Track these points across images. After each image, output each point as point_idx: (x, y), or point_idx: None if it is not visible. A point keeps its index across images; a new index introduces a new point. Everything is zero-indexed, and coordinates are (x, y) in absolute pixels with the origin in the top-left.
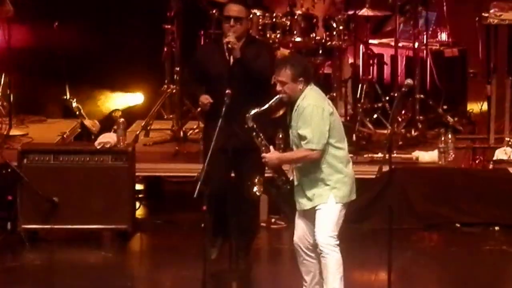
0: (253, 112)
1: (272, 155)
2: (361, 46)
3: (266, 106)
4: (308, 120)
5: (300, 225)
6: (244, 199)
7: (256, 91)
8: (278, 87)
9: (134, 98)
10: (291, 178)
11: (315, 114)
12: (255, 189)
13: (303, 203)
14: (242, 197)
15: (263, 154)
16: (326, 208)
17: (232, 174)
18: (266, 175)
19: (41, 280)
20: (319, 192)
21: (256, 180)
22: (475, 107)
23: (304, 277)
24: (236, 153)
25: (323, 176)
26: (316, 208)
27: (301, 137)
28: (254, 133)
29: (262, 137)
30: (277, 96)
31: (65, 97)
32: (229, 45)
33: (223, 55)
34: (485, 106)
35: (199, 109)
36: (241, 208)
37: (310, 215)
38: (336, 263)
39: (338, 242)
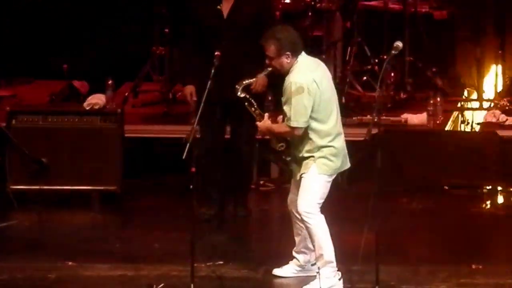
0: (242, 83)
1: (263, 124)
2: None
3: (256, 77)
4: (289, 97)
5: (292, 190)
6: (238, 151)
7: (250, 43)
8: (267, 61)
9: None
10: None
11: (294, 92)
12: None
13: (294, 172)
14: (236, 148)
15: (256, 122)
16: (308, 177)
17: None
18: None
19: (29, 240)
20: (305, 162)
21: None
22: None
23: (295, 237)
24: (228, 106)
25: (307, 148)
26: (301, 176)
27: (284, 113)
28: (247, 103)
29: (256, 105)
30: (267, 69)
31: (53, 57)
32: None
33: (216, 7)
34: None
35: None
36: (236, 159)
37: (299, 183)
38: (317, 231)
39: (317, 211)
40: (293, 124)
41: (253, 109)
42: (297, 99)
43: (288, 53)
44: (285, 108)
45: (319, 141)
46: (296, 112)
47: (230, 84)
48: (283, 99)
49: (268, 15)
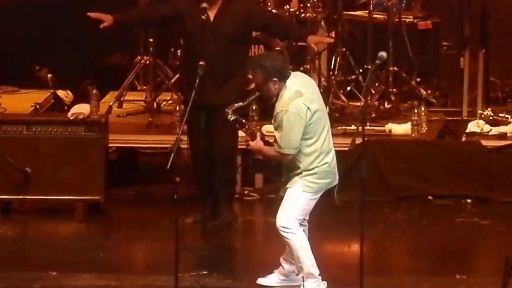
0: (232, 107)
1: (255, 144)
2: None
3: (246, 101)
4: (279, 125)
5: None
6: (221, 155)
7: (236, 48)
8: (254, 86)
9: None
10: None
11: (285, 120)
12: (229, 116)
13: (282, 189)
14: (219, 152)
15: (249, 141)
16: (292, 193)
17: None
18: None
19: (13, 251)
20: (292, 178)
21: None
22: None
23: (286, 245)
24: (212, 111)
25: (297, 168)
26: (286, 190)
27: (274, 138)
28: (238, 124)
29: (247, 126)
30: (255, 93)
31: (37, 67)
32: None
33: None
34: None
35: (173, 80)
36: (219, 163)
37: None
38: (295, 246)
39: (296, 226)
40: (284, 151)
41: (244, 129)
42: (287, 126)
43: (275, 79)
44: (276, 134)
45: (309, 162)
46: (286, 140)
47: (214, 89)
48: (274, 124)
49: (256, 19)
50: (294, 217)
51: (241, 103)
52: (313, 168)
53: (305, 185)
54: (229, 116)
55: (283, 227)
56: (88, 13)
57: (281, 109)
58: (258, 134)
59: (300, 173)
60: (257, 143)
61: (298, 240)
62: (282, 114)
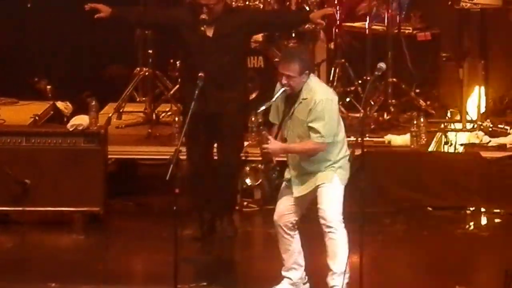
0: (261, 108)
1: (275, 145)
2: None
3: (273, 100)
4: (321, 115)
5: (282, 203)
6: (225, 167)
7: (235, 57)
8: (284, 80)
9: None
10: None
11: (327, 109)
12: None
13: (302, 188)
14: (222, 165)
15: (265, 145)
16: (332, 187)
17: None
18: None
19: (12, 262)
20: (324, 173)
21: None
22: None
23: (283, 255)
24: (213, 121)
25: (326, 161)
26: (320, 186)
27: (313, 130)
28: (260, 126)
29: (262, 128)
30: (282, 89)
31: (36, 78)
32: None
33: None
34: None
35: (172, 91)
36: (223, 176)
37: (304, 197)
38: (343, 241)
39: (343, 221)
40: (326, 140)
41: (261, 132)
42: (329, 114)
43: (307, 72)
44: (315, 125)
45: (337, 152)
46: (329, 128)
47: (217, 99)
48: (310, 118)
49: (257, 21)
50: (340, 209)
51: (268, 103)
52: (340, 160)
53: (340, 178)
54: (258, 117)
55: (338, 221)
56: (86, 6)
57: (321, 99)
58: (270, 136)
59: (332, 166)
60: (277, 144)
61: (345, 235)
62: (322, 104)
